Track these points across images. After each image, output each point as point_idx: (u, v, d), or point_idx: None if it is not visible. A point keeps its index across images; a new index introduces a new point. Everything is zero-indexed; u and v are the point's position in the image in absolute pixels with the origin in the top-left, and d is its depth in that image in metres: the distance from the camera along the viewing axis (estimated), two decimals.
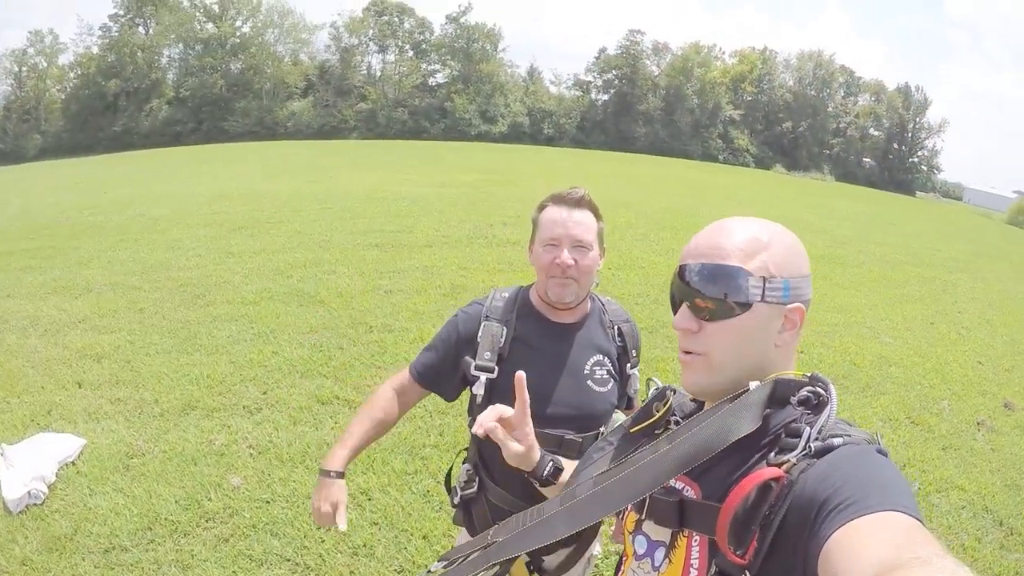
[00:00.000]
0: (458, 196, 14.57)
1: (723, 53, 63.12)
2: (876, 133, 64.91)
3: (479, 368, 1.86)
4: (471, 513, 2.02)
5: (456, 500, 2.03)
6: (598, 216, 1.92)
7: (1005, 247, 19.82)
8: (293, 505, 3.84)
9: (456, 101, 53.08)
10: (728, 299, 1.01)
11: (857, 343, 7.01)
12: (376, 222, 11.23)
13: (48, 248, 9.82)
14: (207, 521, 3.69)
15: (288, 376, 5.48)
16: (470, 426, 1.94)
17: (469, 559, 1.14)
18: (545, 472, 1.34)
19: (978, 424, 5.46)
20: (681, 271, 1.08)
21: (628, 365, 2.00)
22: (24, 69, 52.52)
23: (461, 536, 2.14)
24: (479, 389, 1.87)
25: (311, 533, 3.60)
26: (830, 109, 62.73)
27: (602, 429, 1.89)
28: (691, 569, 1.00)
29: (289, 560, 3.40)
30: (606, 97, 59.65)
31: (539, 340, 1.91)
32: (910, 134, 64.74)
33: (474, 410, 1.94)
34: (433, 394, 2.05)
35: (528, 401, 1.31)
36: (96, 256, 9.22)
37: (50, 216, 12.69)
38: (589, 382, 1.90)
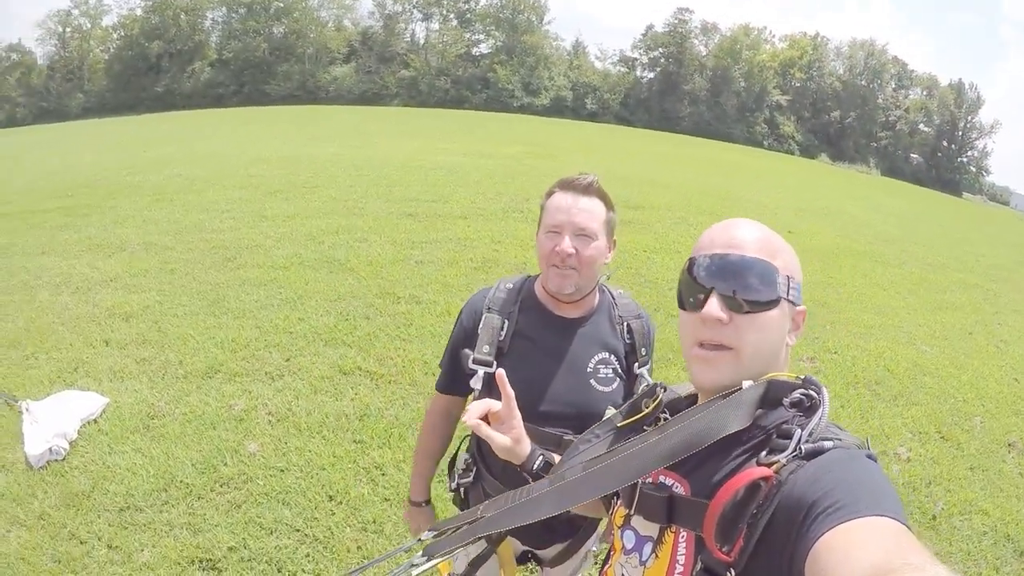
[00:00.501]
0: (496, 168, 14.43)
1: (773, 36, 61.92)
2: (926, 129, 63.37)
3: (476, 362, 1.78)
4: (468, 500, 2.01)
5: (453, 486, 2.01)
6: (608, 205, 1.80)
7: None
8: (307, 476, 3.84)
9: (499, 72, 52.73)
10: (759, 292, 1.01)
11: (892, 348, 6.77)
12: (412, 191, 11.17)
13: (85, 206, 9.95)
14: (221, 486, 3.72)
15: (312, 344, 5.48)
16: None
17: (458, 531, 1.14)
18: (535, 466, 1.35)
19: (1009, 446, 5.21)
20: (702, 264, 1.06)
21: (636, 364, 1.86)
22: (68, 30, 53.38)
23: None
24: (477, 383, 1.79)
25: (322, 505, 3.61)
26: (880, 101, 61.10)
27: None
28: (677, 565, 1.00)
29: (299, 531, 3.41)
30: (651, 75, 58.91)
31: (541, 334, 1.83)
32: (960, 133, 63.11)
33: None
34: None
35: (513, 396, 1.30)
36: (132, 215, 9.33)
37: (89, 174, 12.87)
38: (592, 381, 1.80)
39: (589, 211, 1.73)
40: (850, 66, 61.19)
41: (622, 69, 59.74)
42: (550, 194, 1.80)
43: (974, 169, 64.54)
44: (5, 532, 3.35)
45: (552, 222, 1.74)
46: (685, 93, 55.81)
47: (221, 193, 10.73)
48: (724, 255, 1.03)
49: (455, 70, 54.18)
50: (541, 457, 1.35)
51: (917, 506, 4.15)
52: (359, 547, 3.33)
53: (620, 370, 1.84)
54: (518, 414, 1.34)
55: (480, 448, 1.94)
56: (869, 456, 0.90)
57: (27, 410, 4.21)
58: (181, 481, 3.71)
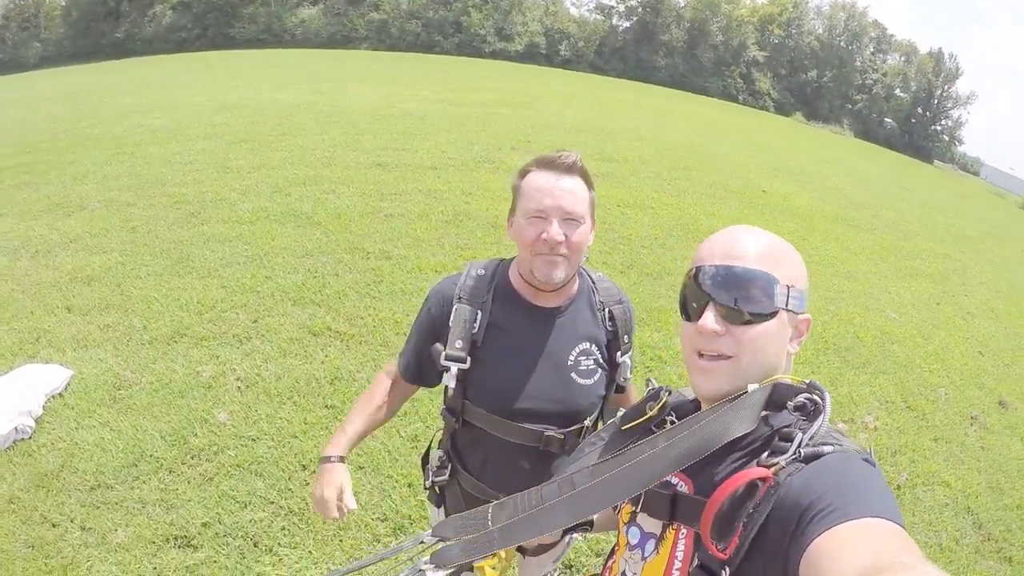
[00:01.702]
0: (468, 115, 14.21)
1: None
2: (902, 95, 63.12)
3: (449, 358, 1.68)
4: (444, 497, 1.94)
5: (427, 483, 1.94)
6: (590, 184, 1.68)
7: (1018, 230, 19.34)
8: (279, 444, 3.80)
9: (472, 16, 51.46)
10: (760, 304, 1.02)
11: (862, 314, 6.84)
12: (381, 139, 10.97)
13: (43, 163, 9.57)
14: (192, 458, 3.66)
15: (280, 303, 5.39)
16: (443, 414, 1.85)
17: (467, 542, 1.10)
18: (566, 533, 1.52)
19: (972, 419, 5.34)
20: (707, 272, 1.06)
21: (619, 352, 1.78)
22: None
23: (434, 513, 2.02)
24: (450, 381, 1.71)
25: (295, 475, 3.58)
26: (857, 63, 60.58)
27: (586, 423, 1.76)
28: (675, 560, 1.03)
29: (273, 503, 3.38)
30: (628, 24, 57.94)
31: (517, 327, 1.72)
32: (936, 101, 62.95)
33: (447, 400, 1.79)
34: None
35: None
36: (91, 171, 9.00)
37: (47, 128, 12.38)
38: (573, 374, 1.72)
39: (574, 193, 1.62)
40: (830, 26, 60.68)
41: (598, 17, 58.78)
42: (525, 173, 1.67)
43: (947, 138, 64.88)
44: None
45: (535, 206, 1.61)
46: (661, 44, 55.06)
47: (184, 144, 10.42)
48: (728, 266, 1.04)
49: (426, 12, 52.76)
50: None
51: (883, 475, 4.23)
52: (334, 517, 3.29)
53: (602, 360, 1.77)
54: None
55: (455, 445, 1.87)
56: (867, 460, 0.92)
57: None
58: (151, 455, 3.65)
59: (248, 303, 5.36)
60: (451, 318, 1.71)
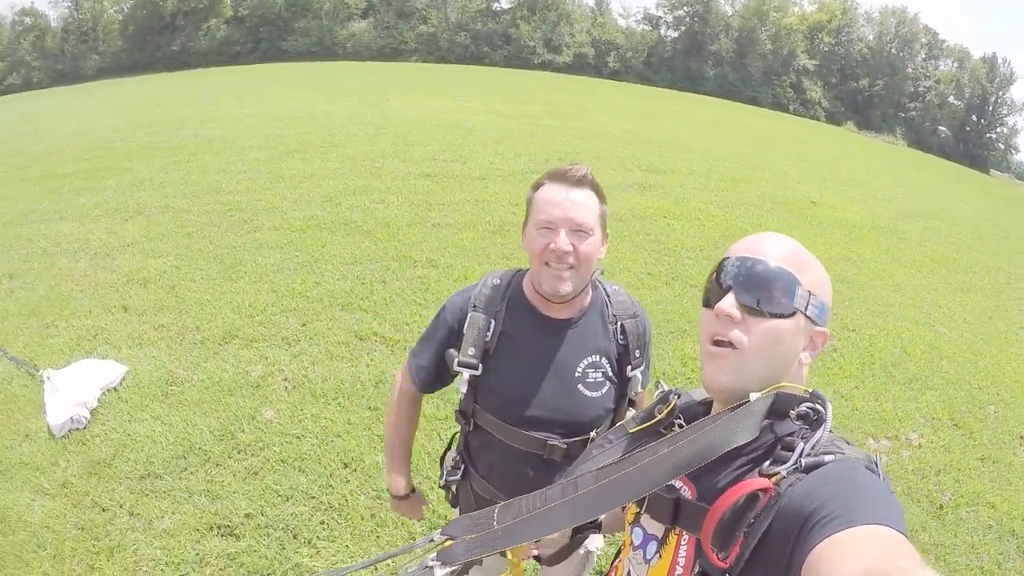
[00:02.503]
0: (516, 127, 14.24)
1: None
2: (955, 102, 61.54)
3: (461, 364, 1.73)
4: (458, 495, 2.00)
5: (442, 483, 1.99)
6: (601, 197, 1.70)
7: None
8: (323, 443, 3.90)
9: (521, 28, 51.87)
10: (778, 303, 1.02)
11: (911, 329, 6.63)
12: (430, 150, 11.06)
13: (102, 170, 9.96)
14: (239, 453, 3.79)
15: (329, 308, 5.51)
16: (457, 419, 1.90)
17: (471, 541, 1.13)
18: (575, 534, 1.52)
19: (1021, 438, 5.11)
20: (731, 262, 1.08)
21: (629, 367, 1.78)
22: None
23: (455, 514, 2.10)
24: (463, 386, 1.76)
25: (337, 472, 3.67)
26: (909, 70, 59.28)
27: (592, 435, 1.75)
28: (677, 566, 1.05)
29: (314, 498, 3.47)
30: (676, 34, 57.71)
31: (528, 336, 1.75)
32: (991, 108, 61.31)
33: (460, 404, 1.84)
34: None
35: None
36: (149, 178, 9.33)
37: (105, 137, 12.84)
38: (580, 386, 1.74)
39: (584, 204, 1.64)
40: (880, 32, 59.43)
41: (646, 27, 58.62)
42: (538, 186, 1.70)
43: (1002, 146, 63.13)
44: (30, 501, 3.44)
45: (545, 217, 1.63)
46: (710, 53, 54.71)
47: (238, 154, 10.70)
48: (751, 259, 1.05)
49: (475, 24, 53.36)
50: None
51: (925, 494, 4.10)
52: (372, 515, 3.39)
53: (611, 373, 1.77)
54: None
55: (468, 447, 1.92)
56: (869, 468, 0.91)
57: (48, 379, 4.30)
58: (200, 448, 3.79)
59: (297, 307, 5.49)
60: (465, 326, 1.75)
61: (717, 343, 1.05)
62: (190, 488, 3.50)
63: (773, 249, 1.06)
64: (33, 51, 50.54)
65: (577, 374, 1.74)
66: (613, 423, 1.82)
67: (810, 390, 1.00)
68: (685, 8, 56.65)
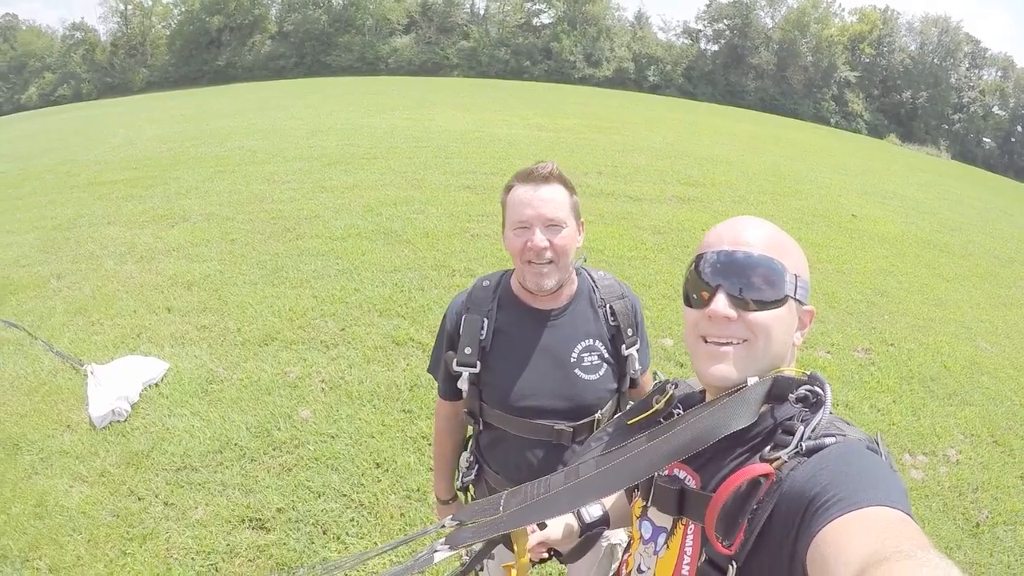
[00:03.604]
0: (556, 141, 14.35)
1: (842, 9, 59.25)
2: (1000, 113, 59.48)
3: (460, 364, 1.79)
4: (475, 495, 2.05)
5: (459, 484, 2.05)
6: (570, 189, 1.76)
7: None
8: (356, 443, 3.97)
9: (562, 42, 51.97)
10: (768, 291, 1.01)
11: (951, 343, 6.47)
12: (470, 163, 11.21)
13: (149, 178, 10.31)
14: (274, 450, 3.88)
15: (367, 314, 5.61)
16: (466, 420, 1.96)
17: (479, 524, 1.16)
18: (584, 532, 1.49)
19: None
20: (709, 260, 1.05)
21: (624, 346, 1.83)
22: (130, 7, 54.39)
23: None
24: (463, 384, 1.82)
25: (369, 472, 3.73)
26: (952, 81, 57.37)
27: (597, 416, 1.80)
28: (685, 556, 1.04)
29: (345, 496, 3.54)
30: (716, 48, 57.29)
31: (521, 330, 1.81)
32: None
33: (467, 404, 1.90)
34: None
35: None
36: (194, 187, 9.63)
37: (152, 147, 13.29)
38: (577, 371, 1.78)
39: (553, 200, 1.69)
40: (922, 43, 58.07)
41: (686, 41, 58.33)
42: (509, 189, 1.77)
43: None
44: (68, 487, 3.57)
45: (518, 218, 1.70)
46: (751, 67, 54.17)
47: (281, 164, 10.96)
48: (731, 252, 1.03)
49: (515, 39, 53.60)
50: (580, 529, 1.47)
51: (961, 512, 4.00)
52: (402, 514, 3.43)
53: (607, 355, 1.82)
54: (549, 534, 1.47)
55: (479, 446, 1.97)
56: (870, 448, 0.91)
57: (92, 373, 4.45)
58: (236, 444, 3.89)
59: (337, 312, 5.61)
60: (461, 327, 1.82)
61: (714, 341, 1.04)
62: (224, 481, 3.60)
63: (754, 236, 1.04)
64: (83, 64, 52.23)
65: (572, 359, 1.78)
66: (619, 404, 1.88)
67: (808, 372, 0.99)
68: (725, 21, 56.17)
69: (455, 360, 1.80)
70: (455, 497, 2.14)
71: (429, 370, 2.02)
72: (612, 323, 1.82)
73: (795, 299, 1.03)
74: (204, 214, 8.23)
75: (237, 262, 6.66)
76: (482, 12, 56.55)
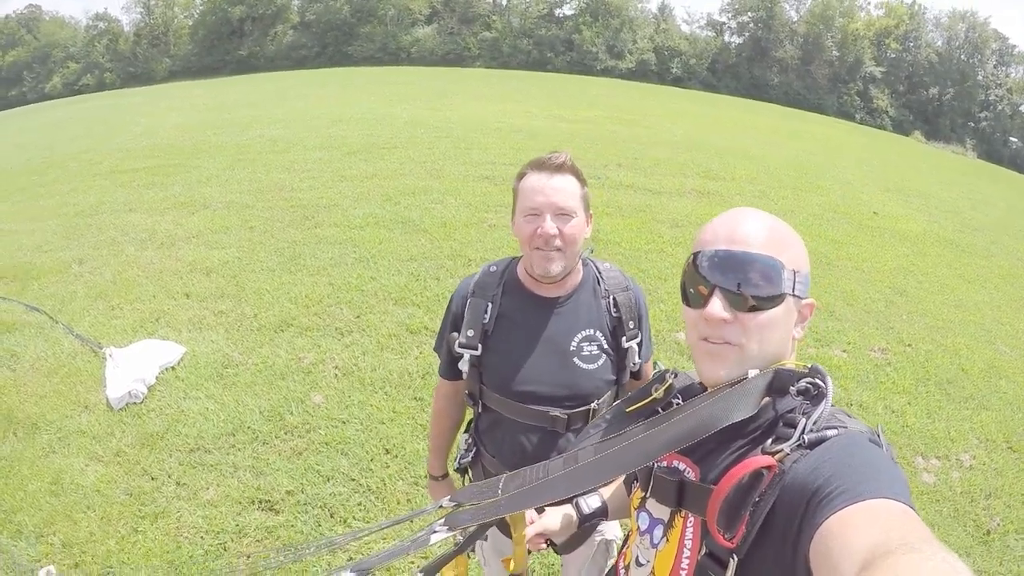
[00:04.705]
0: (577, 132, 14.31)
1: (868, 3, 58.15)
2: None
3: (462, 346, 1.83)
4: (472, 477, 2.08)
5: (456, 466, 2.08)
6: (582, 180, 1.79)
7: None
8: (367, 429, 4.02)
9: (584, 33, 51.69)
10: (765, 289, 1.00)
11: (969, 345, 6.37)
12: (490, 154, 11.20)
13: (170, 166, 10.44)
14: (285, 434, 3.94)
15: (382, 302, 5.66)
16: (466, 401, 1.99)
17: (477, 507, 1.17)
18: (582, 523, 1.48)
19: None
20: (706, 256, 1.04)
21: (624, 338, 1.84)
22: None
23: None
24: (464, 366, 1.86)
25: (378, 457, 3.78)
26: (979, 78, 56.42)
27: (594, 405, 1.82)
28: (684, 549, 1.04)
29: (354, 480, 3.59)
30: (740, 40, 56.71)
31: (523, 316, 1.84)
32: None
33: (468, 386, 1.93)
34: None
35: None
36: (215, 175, 9.73)
37: (174, 136, 13.42)
38: (575, 359, 1.80)
39: (565, 189, 1.72)
40: (948, 38, 56.96)
41: (709, 33, 57.78)
42: (522, 176, 1.80)
43: None
44: (84, 466, 3.66)
45: (530, 204, 1.73)
46: (775, 60, 53.57)
47: (302, 154, 11.03)
48: (728, 251, 1.02)
49: (538, 31, 53.39)
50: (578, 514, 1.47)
51: (972, 518, 3.94)
52: (408, 499, 3.48)
53: (607, 345, 1.83)
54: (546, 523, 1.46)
55: (478, 429, 2.00)
56: (872, 440, 0.91)
57: (110, 356, 4.54)
58: (249, 427, 3.95)
59: (352, 300, 5.66)
60: (465, 310, 1.85)
61: (712, 341, 1.04)
62: (236, 463, 3.66)
63: (752, 233, 1.03)
64: (106, 53, 53.03)
65: (572, 348, 1.80)
66: (617, 396, 1.89)
67: (809, 365, 0.98)
68: (749, 14, 55.53)
69: (457, 342, 1.83)
70: (447, 475, 2.20)
71: (435, 348, 2.05)
72: (614, 314, 1.84)
73: (793, 295, 1.02)
74: (224, 202, 8.31)
75: (255, 249, 6.73)
76: (504, 3, 56.37)
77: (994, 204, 16.98)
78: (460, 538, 1.42)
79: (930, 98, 55.34)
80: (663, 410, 1.19)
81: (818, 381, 0.94)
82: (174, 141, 12.71)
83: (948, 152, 41.60)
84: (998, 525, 3.95)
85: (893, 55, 55.56)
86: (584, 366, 1.80)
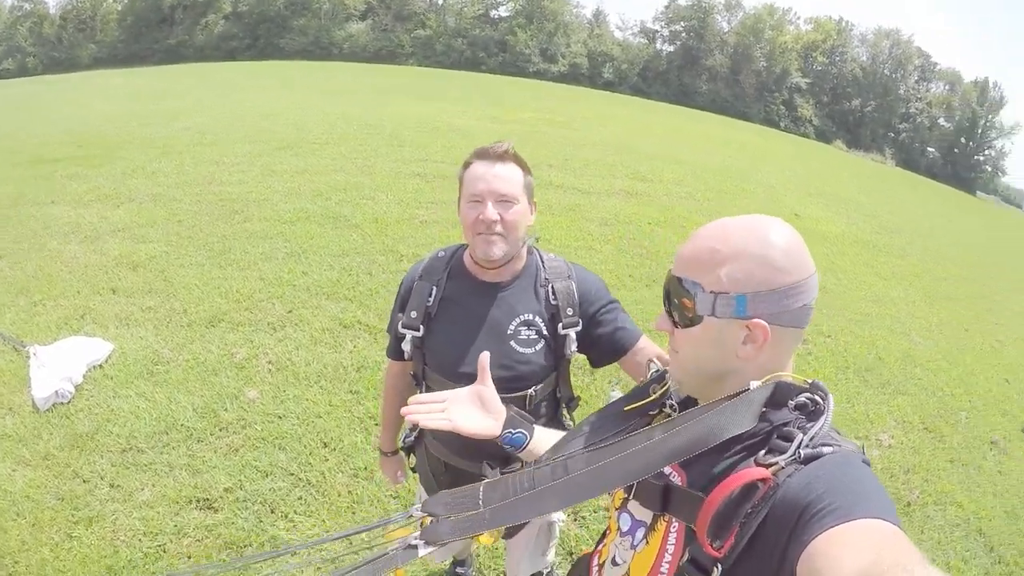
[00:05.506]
0: (509, 133, 14.28)
1: (798, 18, 60.14)
2: (945, 124, 61.82)
3: (404, 326, 1.89)
4: (416, 454, 2.16)
5: (402, 444, 2.16)
6: (525, 169, 1.87)
7: None
8: (303, 423, 3.99)
9: (519, 36, 51.93)
10: (682, 311, 1.04)
11: (886, 337, 6.77)
12: (422, 151, 11.15)
13: (95, 157, 10.02)
14: (220, 430, 3.88)
15: (314, 297, 5.61)
16: (410, 380, 2.05)
17: (458, 520, 1.10)
18: (503, 444, 1.38)
19: (992, 443, 5.22)
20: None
21: (561, 325, 1.89)
22: None
23: (419, 491, 2.25)
24: (407, 346, 1.91)
25: (316, 451, 3.76)
26: (901, 92, 59.57)
27: (531, 391, 1.88)
28: (666, 553, 1.04)
29: (293, 475, 3.56)
30: (671, 49, 57.93)
31: (466, 299, 1.90)
32: (980, 131, 61.46)
33: (412, 367, 2.01)
34: None
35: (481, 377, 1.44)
36: (141, 167, 9.40)
37: (99, 125, 12.89)
38: (512, 343, 1.86)
39: (507, 177, 1.79)
40: (874, 54, 59.74)
41: (642, 40, 58.90)
42: (467, 165, 1.86)
43: (990, 169, 63.45)
44: (11, 471, 3.52)
45: (472, 191, 1.79)
46: (704, 69, 54.96)
47: (230, 147, 10.76)
48: (669, 271, 1.08)
49: (472, 31, 53.47)
50: (509, 435, 1.38)
51: (892, 492, 4.17)
52: (349, 491, 3.48)
53: (544, 331, 1.89)
54: (485, 392, 1.43)
55: None
56: (864, 461, 0.92)
57: (34, 354, 4.37)
58: (182, 425, 3.87)
59: (284, 295, 5.59)
60: (411, 292, 1.92)
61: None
62: (171, 462, 3.58)
63: (686, 251, 1.05)
64: (30, 37, 50.39)
65: (510, 331, 1.86)
66: (557, 384, 1.97)
67: (810, 381, 0.99)
68: (682, 23, 56.86)
69: (400, 322, 1.89)
70: (397, 451, 2.29)
71: (387, 329, 2.10)
72: (552, 302, 1.90)
73: (715, 317, 0.99)
74: (151, 195, 8.05)
75: (184, 244, 6.56)
76: (440, 2, 56.17)
77: (909, 209, 17.90)
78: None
79: (852, 109, 57.83)
80: (656, 410, 1.22)
81: (817, 397, 0.96)
82: (99, 130, 12.20)
83: (868, 160, 43.44)
84: (917, 497, 4.25)
85: (819, 68, 57.90)
86: (521, 350, 1.86)
